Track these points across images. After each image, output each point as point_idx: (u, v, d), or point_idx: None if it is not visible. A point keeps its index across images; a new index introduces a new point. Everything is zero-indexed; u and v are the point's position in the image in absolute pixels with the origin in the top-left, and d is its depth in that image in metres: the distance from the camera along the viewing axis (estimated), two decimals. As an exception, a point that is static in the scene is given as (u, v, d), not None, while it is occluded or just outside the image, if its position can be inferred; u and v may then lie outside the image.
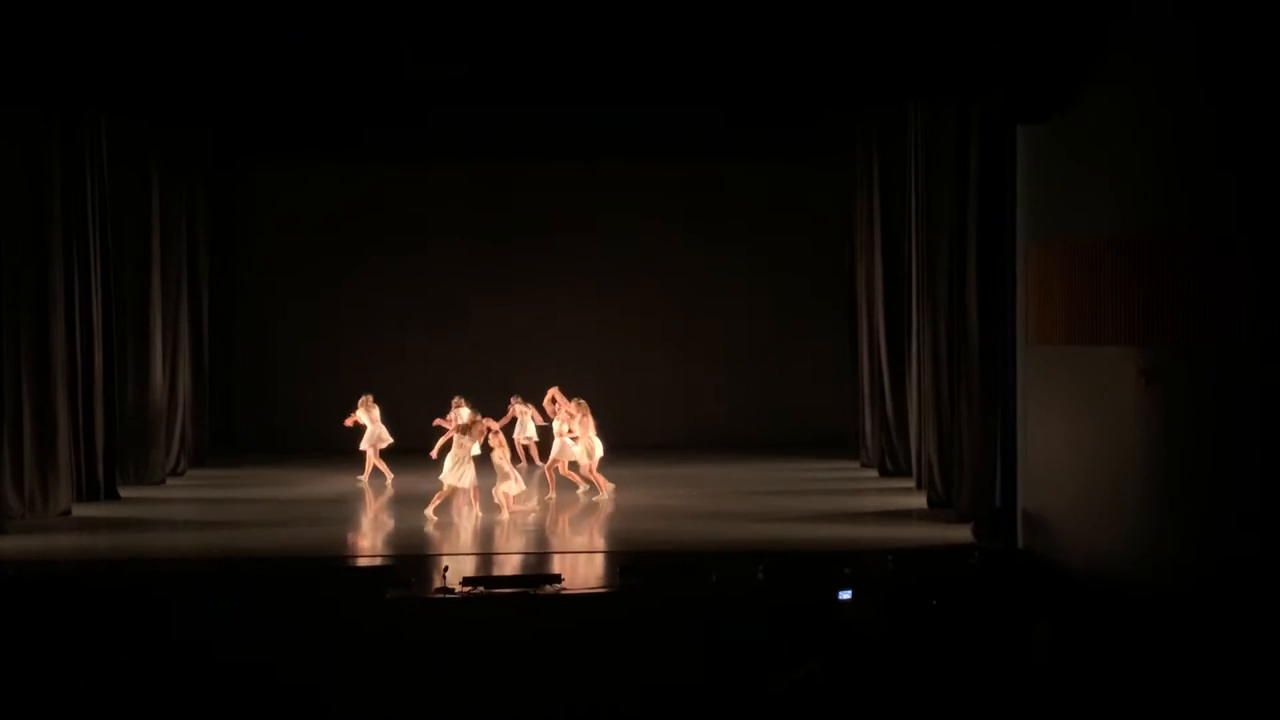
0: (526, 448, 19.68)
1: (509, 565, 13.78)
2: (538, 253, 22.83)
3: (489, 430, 15.91)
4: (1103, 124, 11.76)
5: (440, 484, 15.60)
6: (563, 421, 17.41)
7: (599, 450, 17.38)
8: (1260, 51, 9.17)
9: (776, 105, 17.85)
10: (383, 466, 18.51)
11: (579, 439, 17.26)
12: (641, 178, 22.61)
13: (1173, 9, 10.54)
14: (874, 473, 19.28)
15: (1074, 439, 12.44)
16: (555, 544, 14.91)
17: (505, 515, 15.79)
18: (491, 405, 18.60)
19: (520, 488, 16.08)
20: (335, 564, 13.96)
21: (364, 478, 18.45)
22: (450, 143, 20.28)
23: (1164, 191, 10.67)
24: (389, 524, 16.16)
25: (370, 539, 15.50)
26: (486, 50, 13.61)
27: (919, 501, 16.54)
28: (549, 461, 17.56)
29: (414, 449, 18.28)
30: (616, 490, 17.39)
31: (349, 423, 18.64)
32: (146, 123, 18.23)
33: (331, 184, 22.53)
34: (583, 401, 17.56)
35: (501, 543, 15.12)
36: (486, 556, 14.18)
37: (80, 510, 16.56)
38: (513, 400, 19.45)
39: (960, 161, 14.89)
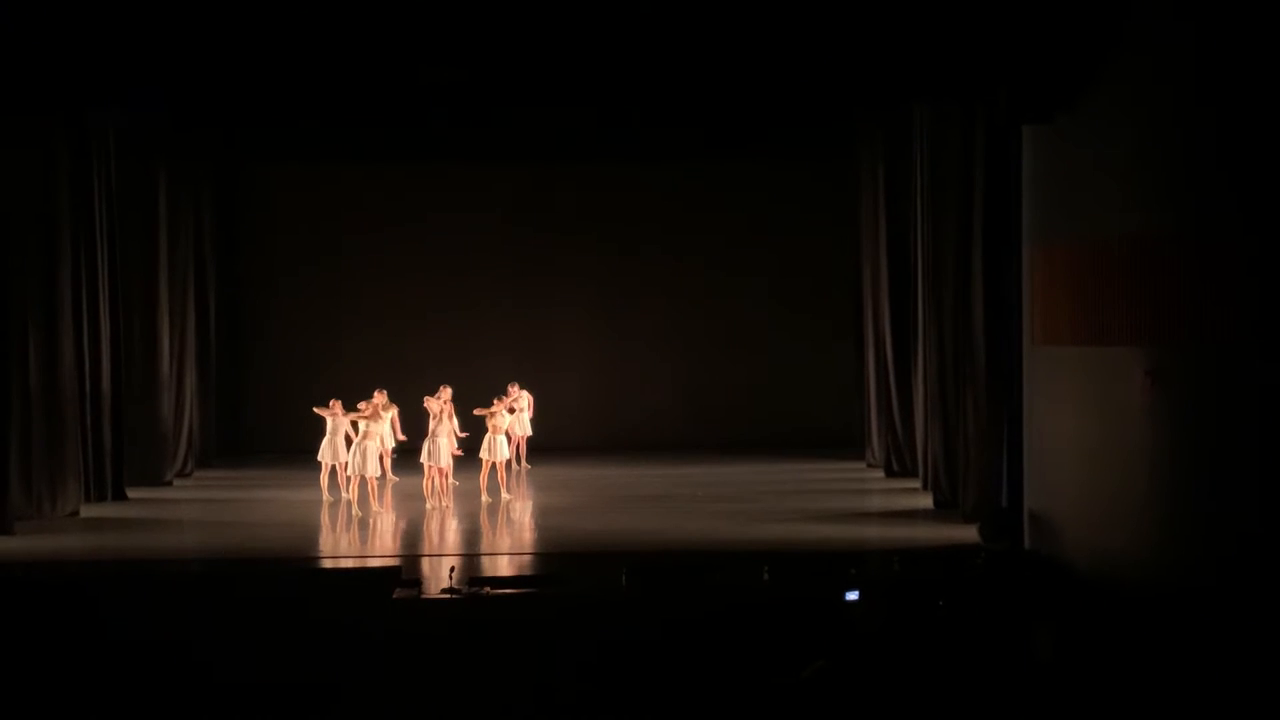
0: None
1: (514, 566, 13.81)
2: (542, 253, 22.87)
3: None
4: (1108, 124, 11.76)
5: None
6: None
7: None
8: (1264, 51, 9.17)
9: (781, 106, 17.84)
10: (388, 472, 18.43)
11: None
12: (646, 179, 22.63)
13: (1176, 9, 10.53)
14: (880, 473, 19.28)
15: (1080, 439, 12.43)
16: (559, 544, 14.92)
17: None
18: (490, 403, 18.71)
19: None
20: (342, 565, 14.00)
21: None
22: (456, 144, 20.30)
23: (1169, 191, 10.66)
24: (395, 525, 16.18)
25: (377, 540, 15.51)
26: (489, 53, 13.62)
27: (925, 502, 16.54)
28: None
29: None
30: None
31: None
32: (153, 124, 18.26)
33: (337, 185, 22.56)
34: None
35: (506, 544, 15.16)
36: (491, 557, 14.22)
37: (88, 511, 16.61)
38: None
39: (965, 161, 14.89)
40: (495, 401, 17.42)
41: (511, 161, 21.96)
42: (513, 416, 18.26)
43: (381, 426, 17.09)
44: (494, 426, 17.15)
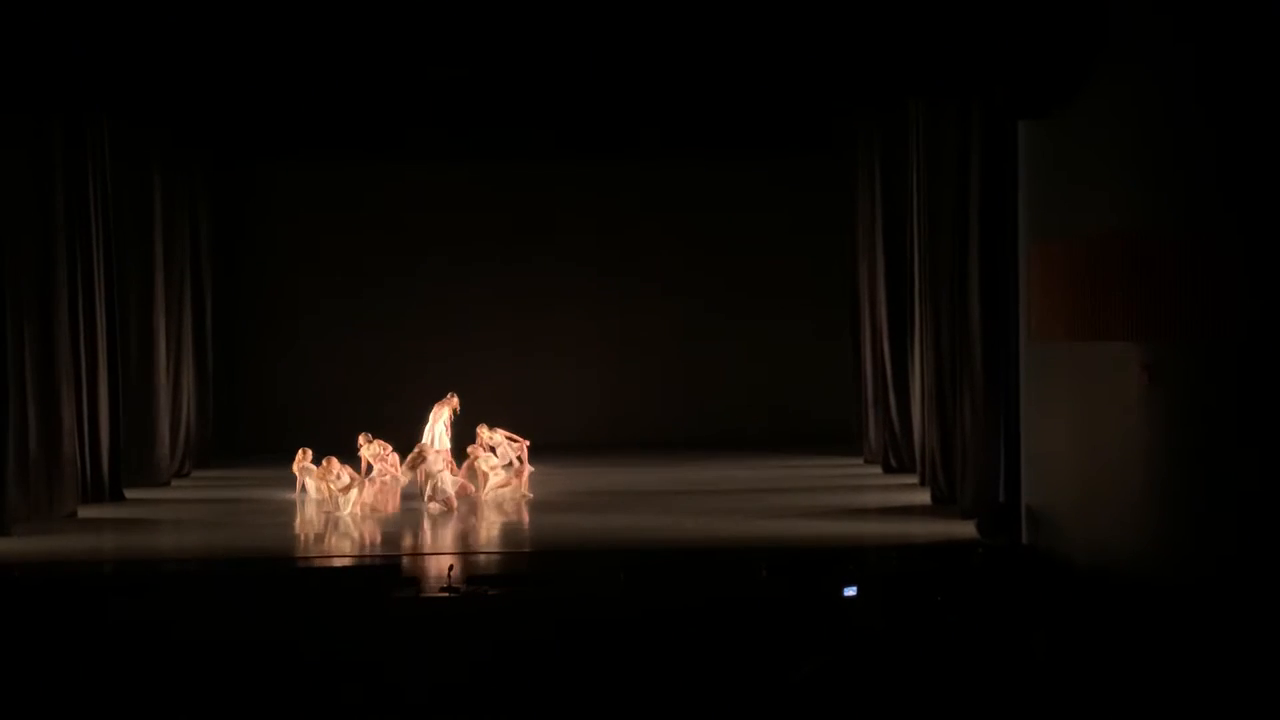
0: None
1: (512, 564, 13.82)
2: (539, 252, 22.90)
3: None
4: (1104, 120, 11.76)
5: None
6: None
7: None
8: (1259, 49, 9.18)
9: (777, 103, 17.86)
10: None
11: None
12: (644, 178, 22.66)
13: (1173, 6, 10.54)
14: (877, 469, 19.30)
15: (1077, 435, 12.45)
16: (557, 542, 14.93)
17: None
18: (493, 405, 18.71)
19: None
20: (341, 564, 14.00)
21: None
22: (453, 143, 20.32)
23: (1165, 187, 10.67)
24: (394, 524, 16.18)
25: (375, 539, 15.51)
26: (489, 51, 13.64)
27: (922, 498, 16.56)
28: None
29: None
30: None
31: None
32: (148, 124, 18.26)
33: (334, 184, 22.58)
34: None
35: (505, 542, 15.16)
36: (489, 556, 14.23)
37: (85, 512, 16.60)
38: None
39: (962, 158, 14.90)
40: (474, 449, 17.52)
41: (511, 160, 21.99)
42: (498, 459, 17.87)
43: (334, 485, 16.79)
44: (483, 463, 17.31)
